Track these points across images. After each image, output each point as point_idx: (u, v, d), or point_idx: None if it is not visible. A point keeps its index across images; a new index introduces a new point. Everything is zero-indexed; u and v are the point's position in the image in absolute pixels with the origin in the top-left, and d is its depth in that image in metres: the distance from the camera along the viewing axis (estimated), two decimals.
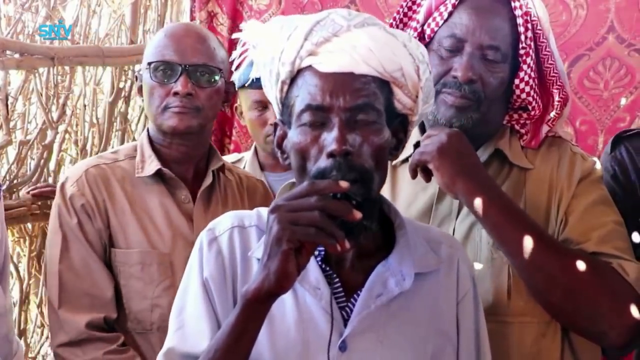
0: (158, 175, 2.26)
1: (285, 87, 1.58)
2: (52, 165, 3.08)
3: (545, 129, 2.06)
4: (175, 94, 2.19)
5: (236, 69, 1.74)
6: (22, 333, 2.98)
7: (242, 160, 3.00)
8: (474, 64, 1.92)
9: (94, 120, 3.30)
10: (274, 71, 1.58)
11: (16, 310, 2.91)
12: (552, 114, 2.06)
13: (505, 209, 1.87)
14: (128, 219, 2.23)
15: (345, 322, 1.57)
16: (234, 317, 1.46)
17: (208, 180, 2.31)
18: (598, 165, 2.04)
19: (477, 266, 1.95)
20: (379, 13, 3.14)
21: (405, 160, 2.06)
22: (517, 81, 1.98)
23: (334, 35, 1.54)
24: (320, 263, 1.59)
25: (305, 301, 1.57)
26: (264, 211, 1.65)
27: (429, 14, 1.99)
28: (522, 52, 1.96)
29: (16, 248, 3.07)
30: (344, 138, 1.49)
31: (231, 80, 2.33)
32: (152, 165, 2.25)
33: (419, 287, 1.62)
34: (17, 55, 2.80)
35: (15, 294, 2.96)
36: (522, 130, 2.07)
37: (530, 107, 2.03)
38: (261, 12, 3.30)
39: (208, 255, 1.61)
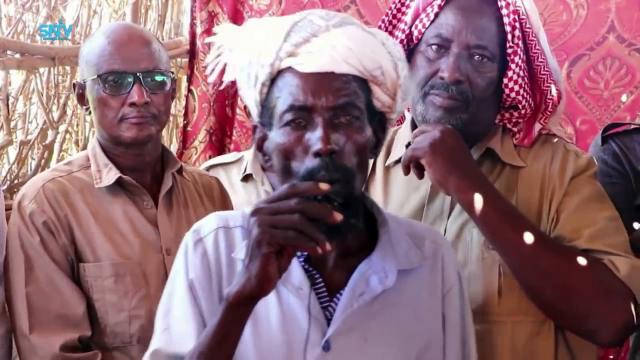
0: (117, 183, 2.18)
1: (265, 89, 1.58)
2: (52, 165, 3.08)
3: (537, 127, 2.05)
4: (132, 104, 2.12)
5: (211, 73, 1.73)
6: None
7: (242, 159, 2.98)
8: (461, 65, 1.92)
9: None
10: (253, 74, 1.58)
11: None
12: (545, 111, 2.05)
13: (497, 207, 1.87)
14: (93, 231, 2.14)
15: (329, 321, 1.57)
16: (216, 320, 1.46)
17: (168, 183, 2.24)
18: (592, 162, 2.03)
19: (468, 266, 1.95)
20: (379, 13, 3.13)
21: (398, 161, 2.05)
22: (506, 80, 1.98)
23: (313, 36, 1.54)
24: (302, 263, 1.59)
25: (289, 302, 1.57)
26: (249, 211, 1.66)
27: (416, 16, 1.99)
28: (509, 51, 1.96)
29: None
30: (329, 137, 1.50)
31: (172, 76, 2.25)
32: (111, 174, 2.17)
33: (403, 284, 1.62)
34: (17, 55, 2.82)
35: None
36: (515, 129, 2.06)
37: (520, 106, 2.02)
38: (262, 12, 3.29)
39: (193, 257, 1.61)
